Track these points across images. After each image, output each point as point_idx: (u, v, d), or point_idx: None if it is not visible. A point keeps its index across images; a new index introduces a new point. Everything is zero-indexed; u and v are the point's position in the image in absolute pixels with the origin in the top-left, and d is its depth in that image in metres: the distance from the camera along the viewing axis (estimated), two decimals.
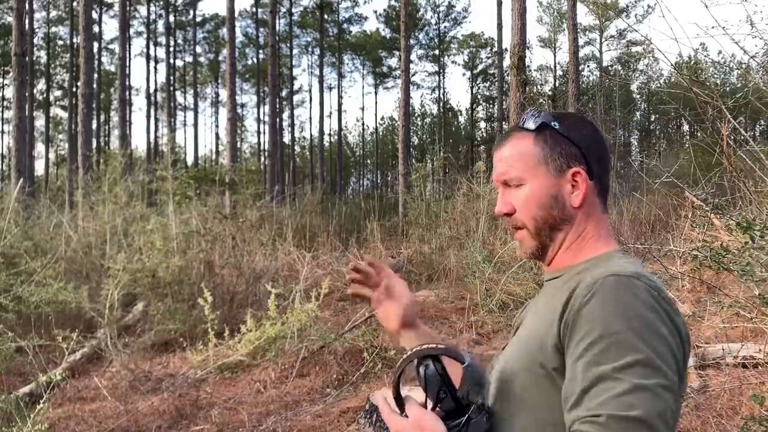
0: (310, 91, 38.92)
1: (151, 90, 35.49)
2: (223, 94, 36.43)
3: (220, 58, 36.14)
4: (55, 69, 34.37)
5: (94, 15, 26.72)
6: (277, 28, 26.04)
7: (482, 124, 41.11)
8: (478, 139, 38.47)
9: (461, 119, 41.03)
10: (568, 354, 0.81)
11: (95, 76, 23.69)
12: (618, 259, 0.92)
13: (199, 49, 37.30)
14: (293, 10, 33.15)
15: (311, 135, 40.78)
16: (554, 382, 0.85)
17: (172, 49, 34.69)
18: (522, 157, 0.97)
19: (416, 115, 39.66)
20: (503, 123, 26.81)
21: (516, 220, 0.99)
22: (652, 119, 40.06)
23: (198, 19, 35.94)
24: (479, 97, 38.91)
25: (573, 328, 0.81)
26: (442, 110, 38.20)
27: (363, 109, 67.84)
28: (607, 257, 0.93)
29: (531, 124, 0.98)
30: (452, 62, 39.33)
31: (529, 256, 1.01)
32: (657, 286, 0.83)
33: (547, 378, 0.86)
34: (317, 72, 35.11)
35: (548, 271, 1.01)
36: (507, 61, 20.92)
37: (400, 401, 0.93)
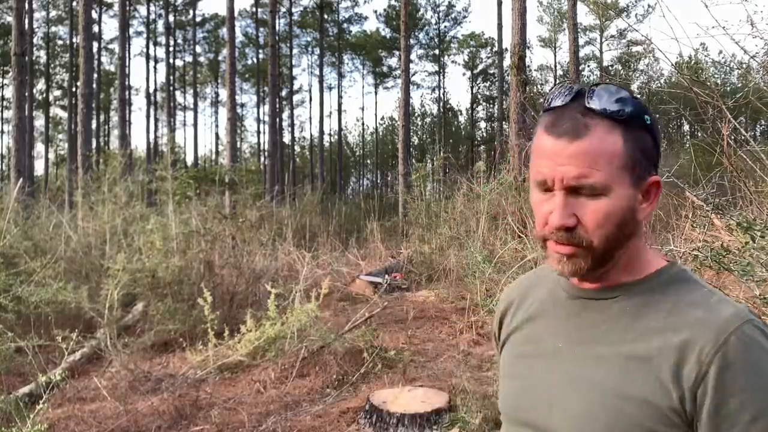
0: (310, 91, 39.04)
1: (151, 90, 35.52)
2: (223, 94, 36.45)
3: (220, 57, 36.16)
4: (54, 69, 34.38)
5: (94, 15, 26.71)
6: (277, 27, 26.03)
7: (482, 124, 41.15)
8: (478, 139, 38.50)
9: (461, 119, 41.06)
10: (717, 428, 0.69)
11: (95, 75, 23.70)
12: (694, 284, 0.78)
13: (198, 49, 37.34)
14: (293, 9, 33.15)
15: (311, 135, 40.83)
16: None
17: (171, 48, 34.69)
18: (611, 158, 0.73)
19: (416, 115, 39.69)
20: (503, 123, 26.80)
21: (578, 237, 0.76)
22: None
23: (198, 19, 35.97)
24: (479, 97, 38.92)
25: (717, 396, 0.68)
26: (442, 110, 38.20)
27: (363, 109, 68.18)
28: (679, 279, 0.79)
29: (620, 109, 0.74)
30: (452, 62, 39.48)
31: (573, 275, 0.80)
32: (757, 316, 0.74)
33: None
34: (317, 72, 35.16)
35: (586, 286, 0.82)
36: (507, 61, 20.92)
37: None
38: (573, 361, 0.80)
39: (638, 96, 0.82)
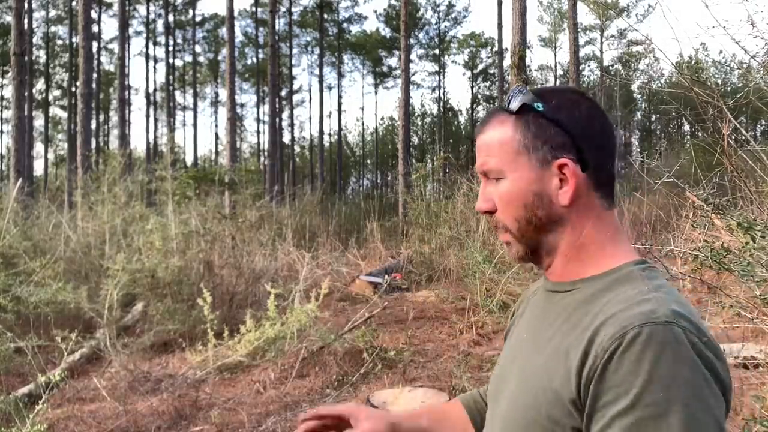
0: (309, 90, 39.12)
1: (151, 90, 35.54)
2: (223, 94, 36.48)
3: (220, 57, 36.17)
4: (54, 69, 34.38)
5: (93, 14, 26.70)
6: (277, 27, 26.03)
7: None
8: None
9: (461, 119, 41.06)
10: (593, 420, 0.68)
11: (94, 75, 23.70)
12: (641, 282, 0.75)
13: (198, 49, 37.36)
14: (293, 9, 33.16)
15: (311, 135, 40.85)
16: None
17: (171, 48, 34.70)
18: (501, 146, 0.82)
19: (416, 115, 39.70)
20: None
21: (497, 220, 0.85)
22: (653, 119, 40.09)
23: (197, 19, 35.99)
24: (479, 96, 38.92)
25: (598, 389, 0.68)
26: (442, 110, 38.21)
27: (363, 108, 68.12)
28: (627, 278, 0.77)
29: (512, 106, 0.82)
30: (452, 62, 39.48)
31: (519, 261, 0.88)
32: (698, 328, 0.69)
33: None
34: (317, 72, 35.18)
35: (551, 279, 0.87)
36: (507, 61, 20.93)
37: None
38: (527, 351, 0.83)
39: (562, 87, 0.87)
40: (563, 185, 0.80)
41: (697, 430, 0.63)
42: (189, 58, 37.19)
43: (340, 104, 44.54)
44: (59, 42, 33.80)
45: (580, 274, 0.82)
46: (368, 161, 46.17)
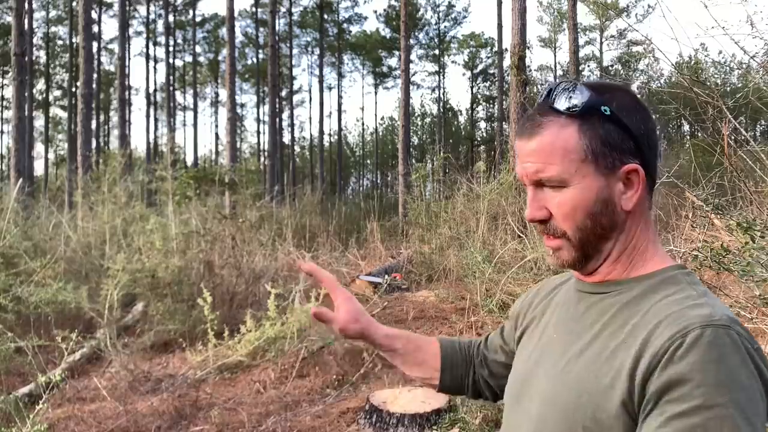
0: (309, 91, 39.10)
1: (151, 90, 35.54)
2: (223, 94, 36.48)
3: (220, 57, 36.16)
4: (54, 69, 34.39)
5: (94, 15, 26.71)
6: (277, 27, 26.04)
7: (482, 124, 41.16)
8: (478, 139, 38.50)
9: (461, 119, 41.06)
10: (651, 416, 0.67)
11: (94, 76, 23.70)
12: (687, 286, 0.75)
13: (198, 49, 37.34)
14: (293, 9, 33.16)
15: (311, 135, 40.87)
16: None
17: (171, 48, 34.69)
18: (565, 153, 0.77)
19: (416, 115, 39.70)
20: (503, 123, 26.81)
21: (554, 228, 0.80)
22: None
23: (197, 19, 35.97)
24: (479, 97, 38.92)
25: (659, 387, 0.66)
26: (442, 110, 38.20)
27: (363, 109, 68.10)
28: (672, 281, 0.76)
29: (573, 105, 0.77)
30: (452, 62, 39.42)
31: (562, 267, 0.84)
32: (750, 336, 0.69)
33: None
34: (317, 72, 35.18)
35: (588, 280, 0.84)
36: (507, 61, 20.93)
37: None
38: (560, 352, 0.81)
39: (612, 84, 0.84)
40: (627, 190, 0.78)
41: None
42: (189, 59, 37.20)
43: (340, 104, 44.65)
44: (59, 42, 33.83)
45: (623, 276, 0.80)
46: (368, 161, 46.18)
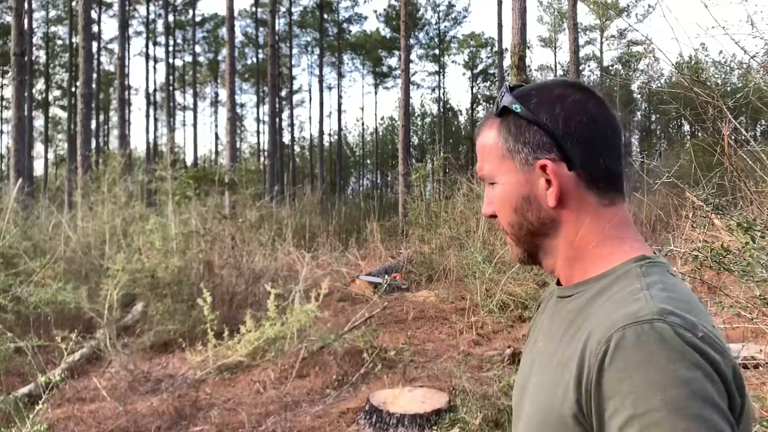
0: (309, 90, 39.12)
1: (151, 90, 35.53)
2: (223, 94, 36.51)
3: (220, 57, 36.16)
4: (54, 69, 34.37)
5: (93, 15, 26.71)
6: (277, 27, 26.03)
7: None
8: None
9: (461, 119, 41.05)
10: None
11: (94, 75, 23.70)
12: (635, 279, 0.71)
13: (198, 49, 37.33)
14: (293, 9, 33.15)
15: (311, 135, 40.87)
16: None
17: (171, 48, 34.68)
18: (490, 151, 0.81)
19: (416, 115, 39.69)
20: None
21: (499, 224, 0.85)
22: (653, 119, 40.10)
23: (197, 19, 35.95)
24: (479, 97, 38.90)
25: (598, 401, 0.64)
26: (442, 110, 38.19)
27: (363, 109, 68.06)
28: (624, 276, 0.73)
29: (495, 107, 0.81)
30: (452, 62, 39.40)
31: (520, 263, 0.87)
32: (692, 323, 0.64)
33: None
34: (317, 72, 35.22)
35: (563, 284, 0.84)
36: (507, 61, 20.93)
37: None
38: (540, 362, 0.79)
39: (548, 82, 0.82)
40: (549, 186, 0.77)
41: (703, 429, 0.58)
42: (189, 58, 37.19)
43: (340, 104, 44.63)
44: (59, 42, 33.81)
45: (583, 276, 0.78)
46: (368, 161, 46.17)
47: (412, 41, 31.88)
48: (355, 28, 38.26)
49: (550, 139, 0.76)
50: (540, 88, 0.80)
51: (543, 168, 0.77)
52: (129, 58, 31.38)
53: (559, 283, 0.85)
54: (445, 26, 36.07)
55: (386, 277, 7.31)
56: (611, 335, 0.64)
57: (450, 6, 35.24)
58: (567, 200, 0.77)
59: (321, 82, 33.73)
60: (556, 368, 0.72)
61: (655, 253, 0.78)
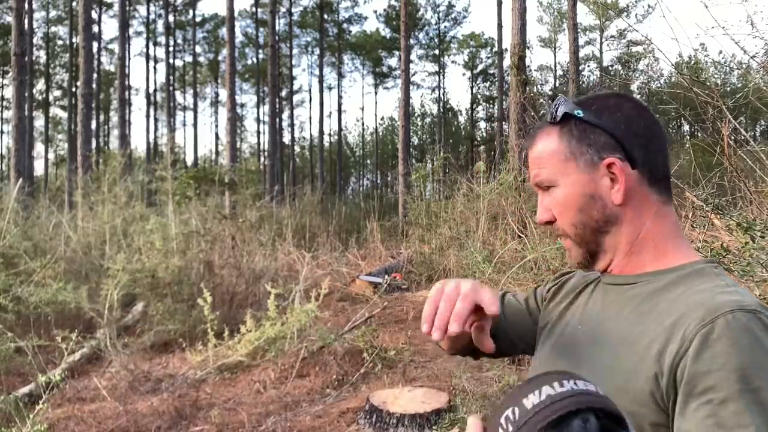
0: (309, 91, 39.07)
1: (151, 90, 35.55)
2: (223, 94, 36.48)
3: (220, 58, 36.16)
4: (54, 69, 34.38)
5: (94, 15, 26.71)
6: (277, 27, 26.03)
7: (482, 124, 41.13)
8: (478, 139, 38.48)
9: (461, 119, 41.05)
10: (688, 405, 0.67)
11: (94, 76, 23.70)
12: (716, 278, 0.76)
13: (198, 49, 37.33)
14: (293, 9, 33.16)
15: (311, 135, 40.87)
16: None
17: (171, 48, 34.68)
18: (550, 156, 0.85)
19: (416, 115, 39.69)
20: (503, 123, 26.80)
21: (558, 228, 0.87)
22: None
23: (197, 19, 35.97)
24: (479, 97, 38.91)
25: (691, 374, 0.67)
26: (442, 110, 38.19)
27: (363, 109, 68.06)
28: (701, 273, 0.78)
29: (553, 114, 0.86)
30: (452, 62, 39.38)
31: (578, 266, 0.89)
32: None
33: None
34: (317, 72, 35.18)
35: (609, 273, 0.87)
36: (507, 61, 20.92)
37: None
38: (587, 344, 0.84)
39: (602, 93, 0.88)
40: (614, 184, 0.81)
41: None
42: (189, 59, 37.19)
43: (340, 104, 44.64)
44: (59, 42, 33.82)
45: (645, 268, 0.82)
46: (368, 161, 46.17)
47: (412, 41, 31.89)
48: (355, 29, 38.29)
49: (613, 141, 0.81)
50: (596, 98, 0.86)
51: (609, 166, 0.81)
52: (129, 59, 31.40)
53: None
54: (445, 26, 36.10)
55: (386, 277, 7.31)
56: (718, 316, 0.68)
57: (450, 6, 35.25)
58: (631, 197, 0.82)
59: (321, 82, 33.75)
60: (622, 345, 0.76)
61: None
